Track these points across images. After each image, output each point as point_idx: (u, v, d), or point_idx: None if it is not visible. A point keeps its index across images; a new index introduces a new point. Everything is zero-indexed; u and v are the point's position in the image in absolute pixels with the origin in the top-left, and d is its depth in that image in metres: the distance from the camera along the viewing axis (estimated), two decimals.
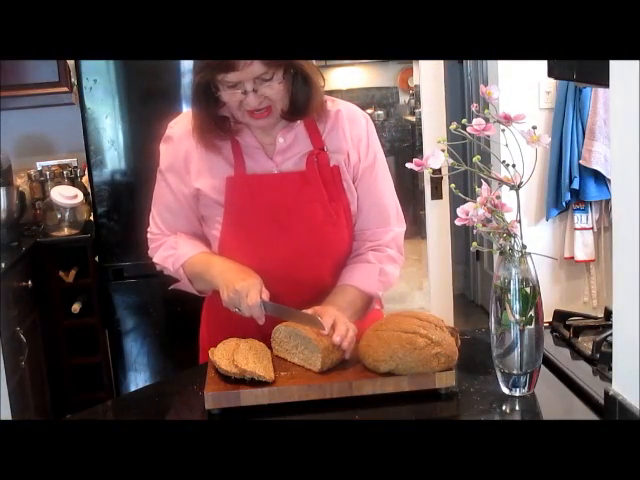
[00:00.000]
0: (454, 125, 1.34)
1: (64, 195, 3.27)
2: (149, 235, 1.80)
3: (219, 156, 1.67)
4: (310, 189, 1.67)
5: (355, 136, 1.71)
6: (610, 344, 1.42)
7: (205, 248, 1.73)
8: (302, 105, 1.63)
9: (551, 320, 1.72)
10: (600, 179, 3.36)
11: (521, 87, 3.31)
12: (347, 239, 1.74)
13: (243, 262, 1.64)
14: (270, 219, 1.66)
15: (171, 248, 1.73)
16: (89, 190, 3.24)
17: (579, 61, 1.34)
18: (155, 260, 1.77)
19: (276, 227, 1.66)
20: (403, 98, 7.03)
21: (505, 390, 1.42)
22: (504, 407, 1.41)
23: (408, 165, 1.40)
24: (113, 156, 3.12)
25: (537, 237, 3.47)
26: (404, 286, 5.00)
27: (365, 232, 1.75)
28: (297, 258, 1.67)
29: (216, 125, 1.64)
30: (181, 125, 1.70)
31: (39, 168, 3.58)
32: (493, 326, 1.40)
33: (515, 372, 1.39)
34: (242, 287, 1.53)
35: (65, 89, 3.36)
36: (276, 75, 1.55)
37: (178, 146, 1.70)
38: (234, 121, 1.66)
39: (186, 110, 1.73)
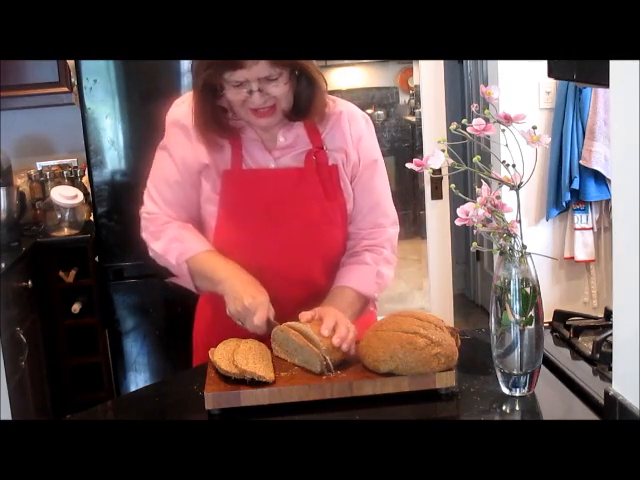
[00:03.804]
0: (454, 125, 1.34)
1: (64, 195, 3.27)
2: (145, 215, 1.71)
3: (219, 148, 1.66)
4: (307, 186, 1.67)
5: (355, 135, 1.71)
6: (610, 344, 1.42)
7: (210, 245, 1.68)
8: (305, 106, 1.63)
9: (551, 320, 1.72)
10: (600, 179, 3.37)
11: (521, 87, 3.31)
12: (341, 239, 1.74)
13: (236, 254, 1.64)
14: (265, 214, 1.66)
15: (176, 240, 1.66)
16: (89, 190, 3.24)
17: (579, 61, 1.34)
18: (155, 248, 1.68)
19: (271, 222, 1.66)
20: (403, 98, 7.02)
21: (505, 390, 1.42)
22: (504, 407, 1.41)
23: (408, 165, 1.40)
24: (113, 156, 3.12)
25: (537, 237, 3.47)
26: (404, 286, 4.99)
27: (361, 231, 1.75)
28: (290, 255, 1.67)
29: (218, 124, 1.63)
30: (189, 104, 1.66)
31: (39, 168, 3.58)
32: (493, 326, 1.40)
33: (515, 372, 1.39)
34: (250, 305, 1.53)
35: (65, 89, 3.35)
36: (282, 76, 1.54)
37: (187, 121, 1.66)
38: (233, 117, 1.65)
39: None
